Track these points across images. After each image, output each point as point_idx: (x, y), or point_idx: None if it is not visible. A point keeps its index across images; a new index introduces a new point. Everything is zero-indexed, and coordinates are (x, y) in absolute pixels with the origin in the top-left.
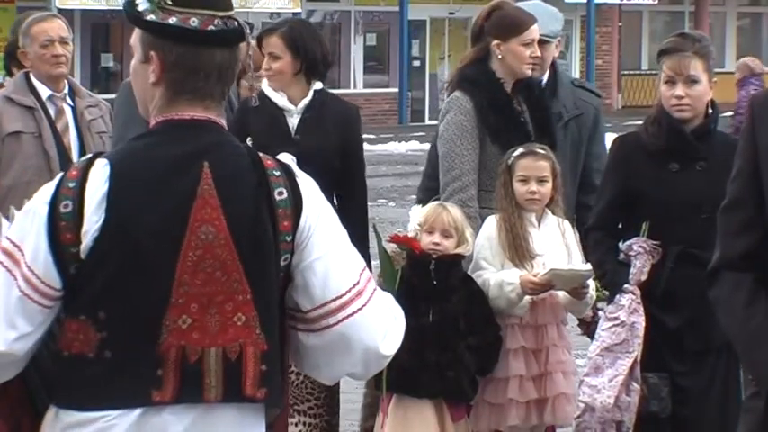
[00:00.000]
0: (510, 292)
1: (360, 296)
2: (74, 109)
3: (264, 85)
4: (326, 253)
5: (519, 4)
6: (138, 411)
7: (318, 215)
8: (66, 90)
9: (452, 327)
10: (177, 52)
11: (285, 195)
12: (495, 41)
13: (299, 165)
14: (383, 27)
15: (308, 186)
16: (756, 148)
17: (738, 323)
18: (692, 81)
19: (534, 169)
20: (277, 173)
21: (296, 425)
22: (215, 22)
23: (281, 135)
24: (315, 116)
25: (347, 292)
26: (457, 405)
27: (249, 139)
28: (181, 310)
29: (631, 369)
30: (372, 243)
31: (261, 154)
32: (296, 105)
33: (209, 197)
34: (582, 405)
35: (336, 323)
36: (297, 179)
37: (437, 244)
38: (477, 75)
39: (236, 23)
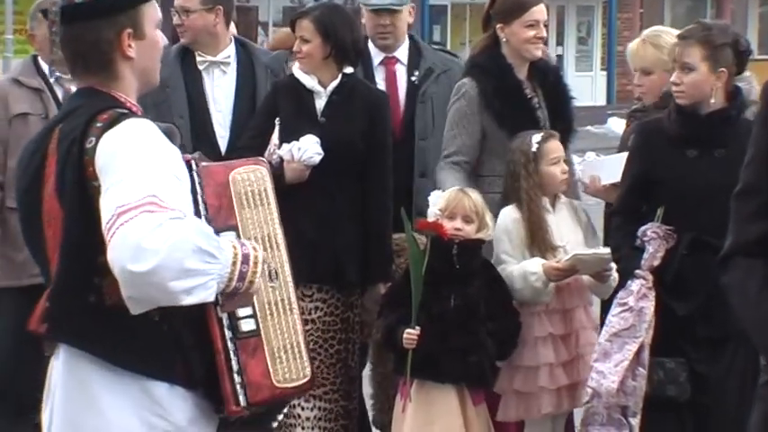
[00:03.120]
0: (535, 282)
1: (118, 218)
2: None
3: (295, 68)
4: (108, 187)
5: None
6: None
7: (109, 155)
8: None
9: (474, 311)
10: None
11: (92, 144)
12: (499, 25)
13: (323, 146)
14: None
15: (115, 132)
16: None
17: (752, 308)
18: (687, 68)
19: (560, 150)
20: (99, 124)
21: (311, 409)
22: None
23: (308, 116)
24: (342, 99)
25: (111, 218)
26: (477, 390)
27: (278, 119)
28: (52, 258)
29: (638, 354)
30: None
31: (114, 113)
32: (325, 88)
33: (52, 156)
34: (590, 390)
35: (108, 249)
36: (110, 128)
37: (459, 229)
38: (486, 61)
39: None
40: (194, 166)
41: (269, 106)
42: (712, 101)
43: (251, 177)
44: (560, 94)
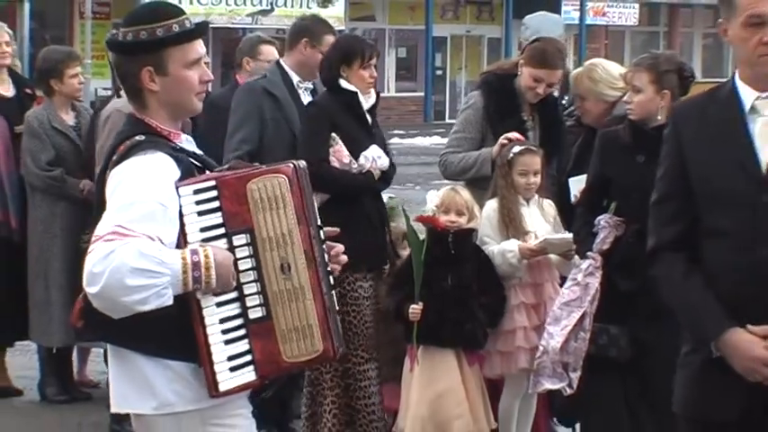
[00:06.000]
0: (511, 258)
1: (89, 246)
2: None
3: (349, 86)
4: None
5: (527, 18)
6: None
7: (110, 188)
8: None
9: (467, 288)
10: None
11: (107, 176)
12: (522, 61)
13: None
14: (412, 42)
15: (119, 169)
16: (680, 150)
17: (678, 295)
18: (636, 90)
19: (532, 164)
20: (114, 158)
21: (372, 370)
22: (119, 34)
23: (366, 129)
24: (373, 114)
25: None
26: (471, 352)
27: (335, 134)
28: None
29: (581, 320)
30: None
31: (131, 142)
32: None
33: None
34: (541, 348)
35: None
36: (118, 164)
37: (453, 221)
38: (496, 81)
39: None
40: (217, 183)
41: (329, 122)
42: (659, 117)
43: (267, 185)
44: (553, 121)
